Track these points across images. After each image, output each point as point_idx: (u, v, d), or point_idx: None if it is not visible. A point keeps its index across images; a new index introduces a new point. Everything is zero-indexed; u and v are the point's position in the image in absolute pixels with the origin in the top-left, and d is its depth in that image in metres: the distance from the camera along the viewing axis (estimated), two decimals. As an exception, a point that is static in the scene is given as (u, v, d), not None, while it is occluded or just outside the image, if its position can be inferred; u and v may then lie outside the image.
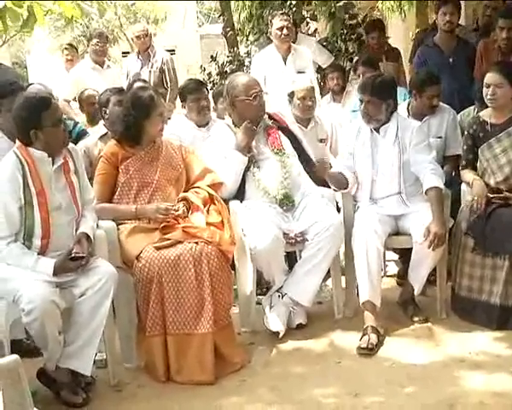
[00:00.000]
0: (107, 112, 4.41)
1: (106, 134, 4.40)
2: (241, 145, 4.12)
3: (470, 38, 5.90)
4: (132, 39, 7.48)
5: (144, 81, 5.40)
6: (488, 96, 4.05)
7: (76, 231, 3.43)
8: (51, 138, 3.31)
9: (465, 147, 4.25)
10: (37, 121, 3.27)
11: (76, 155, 3.53)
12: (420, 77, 4.82)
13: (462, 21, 6.49)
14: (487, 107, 4.16)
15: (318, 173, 4.18)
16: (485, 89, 4.07)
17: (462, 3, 6.34)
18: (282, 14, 6.17)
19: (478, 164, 4.18)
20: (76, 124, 4.88)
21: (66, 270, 3.28)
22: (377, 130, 4.17)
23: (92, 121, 5.34)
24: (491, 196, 3.98)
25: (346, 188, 4.17)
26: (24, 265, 3.22)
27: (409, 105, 4.80)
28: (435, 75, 4.76)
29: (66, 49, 7.80)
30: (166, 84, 6.96)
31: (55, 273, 3.24)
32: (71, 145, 3.56)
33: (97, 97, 4.89)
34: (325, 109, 5.89)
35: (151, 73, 6.94)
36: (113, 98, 4.36)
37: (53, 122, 3.31)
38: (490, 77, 4.05)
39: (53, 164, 3.35)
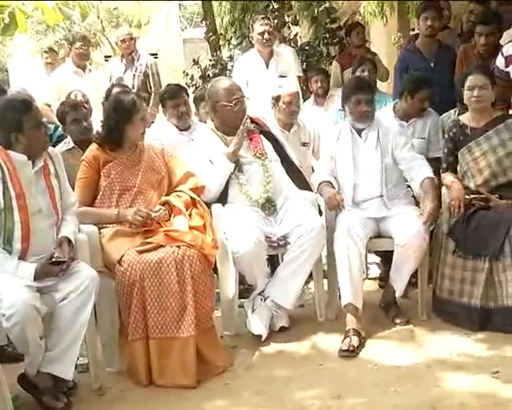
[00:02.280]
0: (66, 129, 4.41)
1: (74, 147, 4.37)
2: (233, 153, 4.12)
3: (455, 42, 5.96)
4: (116, 43, 7.45)
5: (124, 86, 5.39)
6: (473, 99, 4.07)
7: (57, 235, 3.41)
8: (32, 141, 3.29)
9: (445, 150, 4.29)
10: (18, 124, 3.25)
11: (56, 159, 3.51)
12: (413, 79, 4.90)
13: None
14: (468, 109, 4.20)
15: None
16: (467, 92, 4.09)
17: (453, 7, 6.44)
18: (263, 18, 6.17)
19: (458, 167, 4.22)
20: (57, 127, 4.86)
21: (48, 274, 3.26)
22: (359, 133, 4.20)
23: None
24: (472, 196, 4.02)
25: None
26: (4, 270, 3.19)
27: (394, 108, 4.85)
28: (428, 78, 4.82)
29: (45, 52, 7.74)
30: (150, 88, 6.94)
31: (36, 278, 3.21)
32: (51, 149, 3.54)
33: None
34: (308, 113, 5.91)
35: (135, 76, 6.91)
36: (71, 115, 4.36)
37: (34, 125, 3.29)
38: (473, 79, 4.06)
39: (33, 167, 3.34)
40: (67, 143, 4.41)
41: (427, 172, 4.09)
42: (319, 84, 6.29)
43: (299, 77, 6.32)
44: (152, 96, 6.82)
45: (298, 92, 5.04)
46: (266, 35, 5.99)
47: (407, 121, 4.80)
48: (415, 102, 4.74)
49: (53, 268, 3.26)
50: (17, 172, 3.27)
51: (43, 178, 3.39)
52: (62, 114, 4.42)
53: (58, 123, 4.97)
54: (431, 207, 3.86)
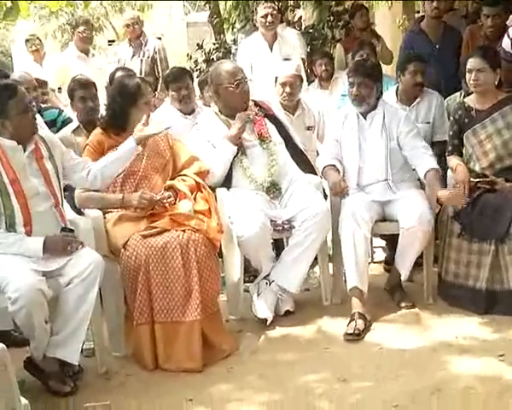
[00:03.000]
0: (73, 105, 4.41)
1: (78, 127, 4.37)
2: (235, 135, 4.11)
3: (460, 24, 5.91)
4: (124, 27, 7.39)
5: (128, 70, 5.37)
6: (471, 82, 4.07)
7: (61, 217, 3.41)
8: (19, 126, 3.28)
9: (451, 133, 4.27)
10: (3, 110, 3.24)
11: (50, 142, 3.48)
12: (402, 56, 4.92)
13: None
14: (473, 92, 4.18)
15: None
16: (467, 74, 4.09)
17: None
18: (266, 1, 6.14)
19: (463, 150, 4.19)
20: (61, 112, 4.84)
21: (56, 246, 3.26)
22: (364, 116, 4.18)
23: None
24: (477, 180, 4.00)
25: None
26: (11, 247, 3.20)
27: (397, 91, 4.82)
28: (419, 54, 4.81)
29: (27, 41, 7.65)
30: (158, 73, 6.89)
31: (45, 250, 3.22)
32: (44, 133, 3.52)
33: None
34: (312, 96, 5.88)
35: (142, 61, 6.86)
36: (79, 93, 4.36)
37: (21, 110, 3.27)
38: (471, 62, 4.06)
39: (24, 151, 3.32)
40: (72, 124, 4.41)
41: (431, 162, 4.05)
42: (323, 68, 6.26)
43: (303, 59, 6.29)
44: (160, 81, 6.78)
45: (296, 75, 4.95)
46: (269, 18, 5.96)
47: (409, 105, 4.77)
48: (407, 78, 4.70)
49: (61, 240, 3.28)
50: (8, 158, 3.26)
51: (36, 162, 3.36)
52: (72, 91, 4.42)
53: (62, 108, 4.96)
54: (450, 193, 3.88)
